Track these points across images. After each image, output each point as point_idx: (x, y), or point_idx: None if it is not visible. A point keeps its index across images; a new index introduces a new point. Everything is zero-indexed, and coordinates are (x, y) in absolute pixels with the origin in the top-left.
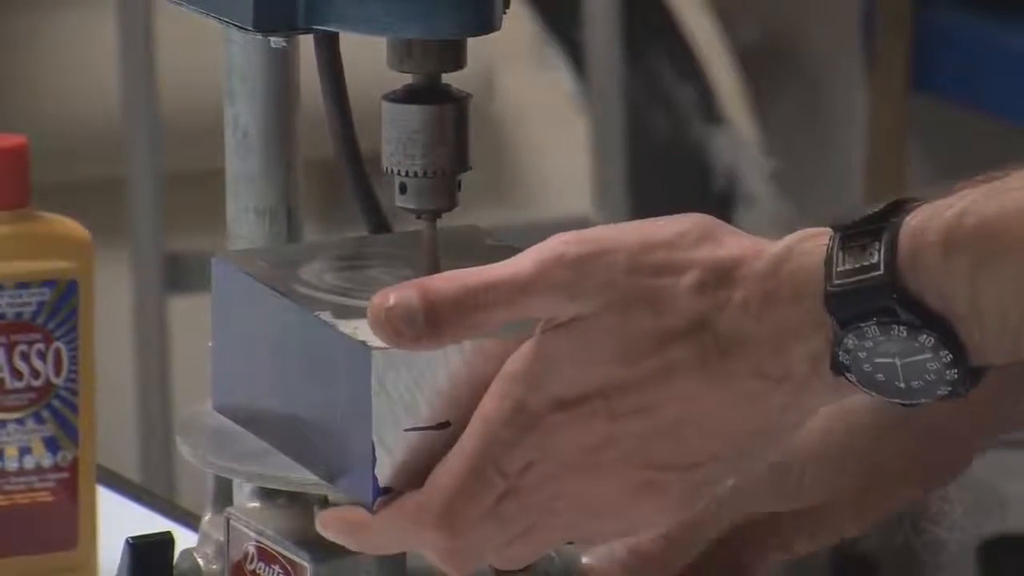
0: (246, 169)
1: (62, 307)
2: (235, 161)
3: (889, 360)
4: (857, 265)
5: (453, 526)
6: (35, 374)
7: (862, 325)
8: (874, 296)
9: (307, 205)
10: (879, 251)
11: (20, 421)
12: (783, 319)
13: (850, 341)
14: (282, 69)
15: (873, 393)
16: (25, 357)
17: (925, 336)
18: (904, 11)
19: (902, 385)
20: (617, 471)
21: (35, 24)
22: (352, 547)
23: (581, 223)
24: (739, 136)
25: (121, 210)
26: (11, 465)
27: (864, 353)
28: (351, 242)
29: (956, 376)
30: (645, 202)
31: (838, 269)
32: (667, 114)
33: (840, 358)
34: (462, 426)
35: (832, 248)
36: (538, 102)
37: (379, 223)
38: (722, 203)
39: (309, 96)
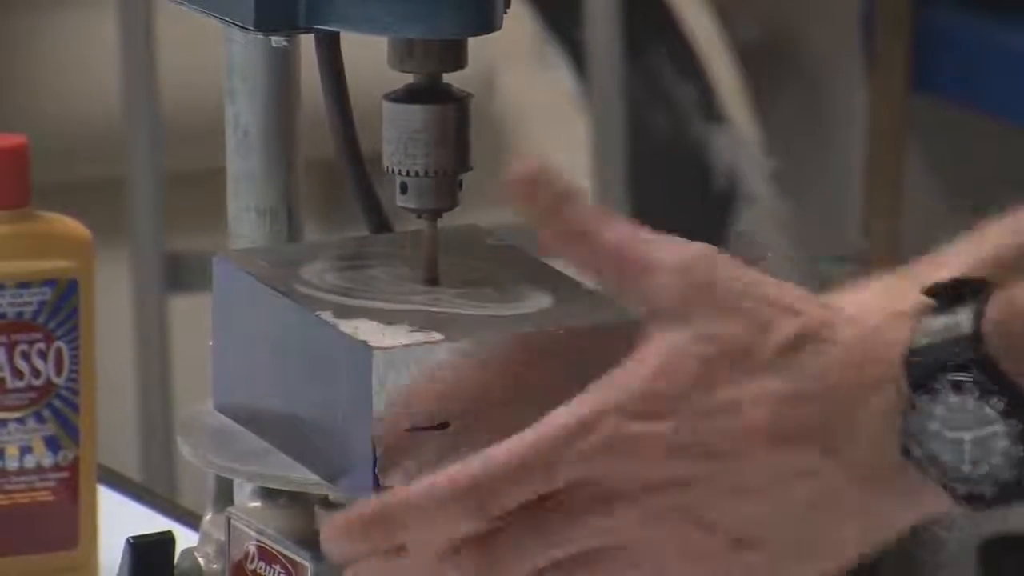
0: (247, 168)
1: (63, 307)
2: (236, 160)
3: (957, 435)
4: (941, 325)
5: (484, 505)
6: (36, 373)
7: (935, 385)
8: (952, 349)
9: (308, 205)
10: (967, 313)
11: (21, 420)
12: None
13: (922, 401)
14: (283, 68)
15: (935, 479)
16: (26, 356)
17: (996, 400)
18: (904, 11)
19: (967, 468)
20: (668, 520)
21: (35, 24)
22: (369, 540)
23: None
24: (739, 135)
25: (122, 210)
26: (12, 464)
27: (934, 425)
28: (352, 242)
29: (1022, 455)
30: (646, 201)
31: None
32: (667, 113)
33: (908, 425)
34: (462, 427)
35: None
36: (539, 101)
37: (380, 223)
38: (722, 202)
39: (310, 95)
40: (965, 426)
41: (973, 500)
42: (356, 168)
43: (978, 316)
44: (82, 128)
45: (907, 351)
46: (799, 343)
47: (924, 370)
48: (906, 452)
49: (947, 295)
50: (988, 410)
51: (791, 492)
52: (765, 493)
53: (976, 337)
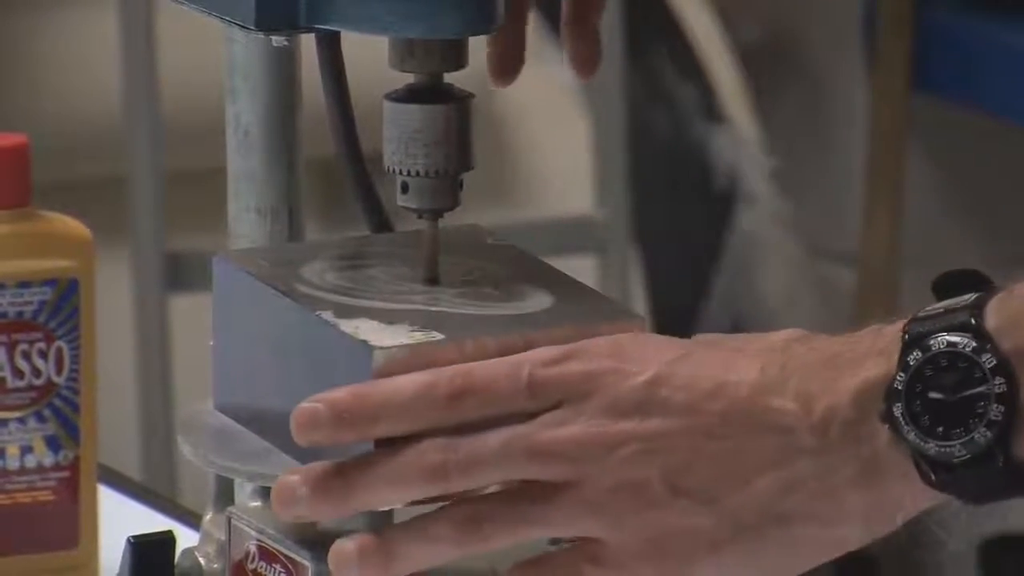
0: (247, 168)
1: (63, 306)
2: (236, 160)
3: (939, 396)
4: (943, 305)
5: (460, 398)
6: (36, 373)
7: (929, 342)
8: (951, 316)
9: (308, 204)
10: (969, 296)
11: (21, 420)
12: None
13: (913, 358)
14: (284, 68)
15: (909, 443)
16: (26, 356)
17: (987, 357)
18: (905, 10)
19: (941, 429)
20: (639, 464)
21: (36, 23)
22: (340, 430)
23: (582, 222)
24: (740, 135)
25: (122, 209)
26: (12, 464)
27: (918, 385)
28: (352, 241)
29: (1000, 417)
30: (646, 201)
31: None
32: (668, 113)
33: (893, 385)
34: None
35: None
36: (539, 101)
37: (380, 222)
38: (723, 202)
39: (311, 95)
40: (950, 386)
41: (941, 467)
42: (357, 168)
43: (980, 296)
44: (83, 127)
45: (907, 321)
46: (789, 338)
47: (922, 329)
48: (888, 415)
49: (951, 285)
50: (976, 370)
51: (760, 447)
52: (735, 452)
53: (976, 306)
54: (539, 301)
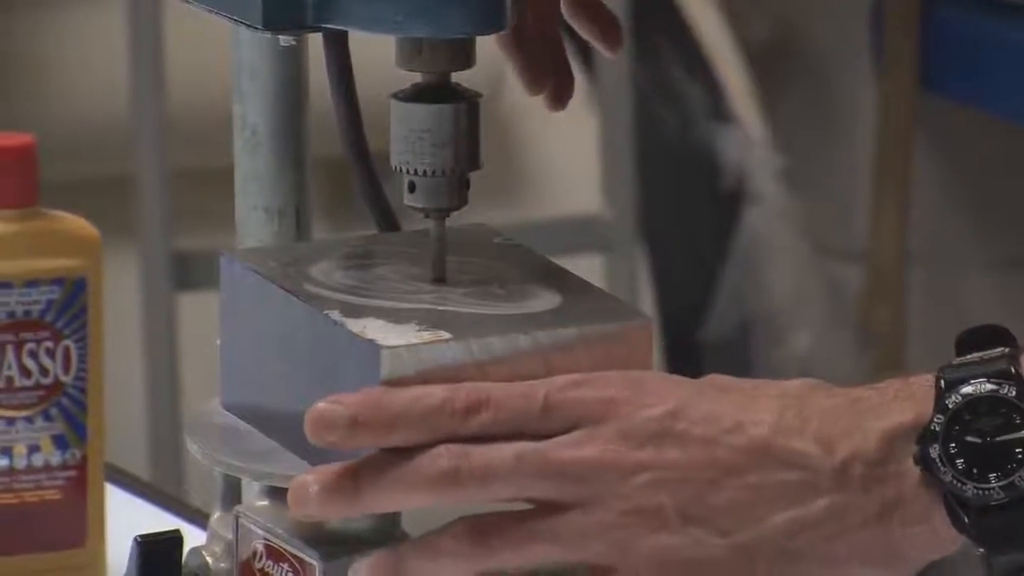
0: (254, 167)
1: (71, 305)
2: (244, 159)
3: (979, 441)
4: (975, 356)
5: (474, 409)
6: (44, 372)
7: (967, 387)
8: (990, 364)
9: (316, 203)
10: (999, 349)
11: (29, 419)
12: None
13: (952, 400)
14: (291, 67)
15: (946, 484)
16: (34, 355)
17: None
18: (912, 9)
19: (979, 471)
20: (653, 492)
21: (43, 22)
22: (356, 436)
23: (589, 221)
24: (747, 134)
25: (129, 208)
26: (20, 463)
27: (956, 427)
28: (360, 240)
29: None
30: (654, 200)
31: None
32: (676, 112)
33: (930, 429)
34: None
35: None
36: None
37: (388, 221)
38: (730, 201)
39: (318, 94)
40: (988, 430)
41: (975, 510)
42: (364, 167)
43: (1013, 349)
44: (90, 127)
45: (940, 369)
46: (805, 386)
47: (958, 375)
48: (923, 457)
49: (974, 341)
50: (1017, 415)
51: (778, 485)
52: (752, 487)
53: (1012, 356)
54: (546, 300)
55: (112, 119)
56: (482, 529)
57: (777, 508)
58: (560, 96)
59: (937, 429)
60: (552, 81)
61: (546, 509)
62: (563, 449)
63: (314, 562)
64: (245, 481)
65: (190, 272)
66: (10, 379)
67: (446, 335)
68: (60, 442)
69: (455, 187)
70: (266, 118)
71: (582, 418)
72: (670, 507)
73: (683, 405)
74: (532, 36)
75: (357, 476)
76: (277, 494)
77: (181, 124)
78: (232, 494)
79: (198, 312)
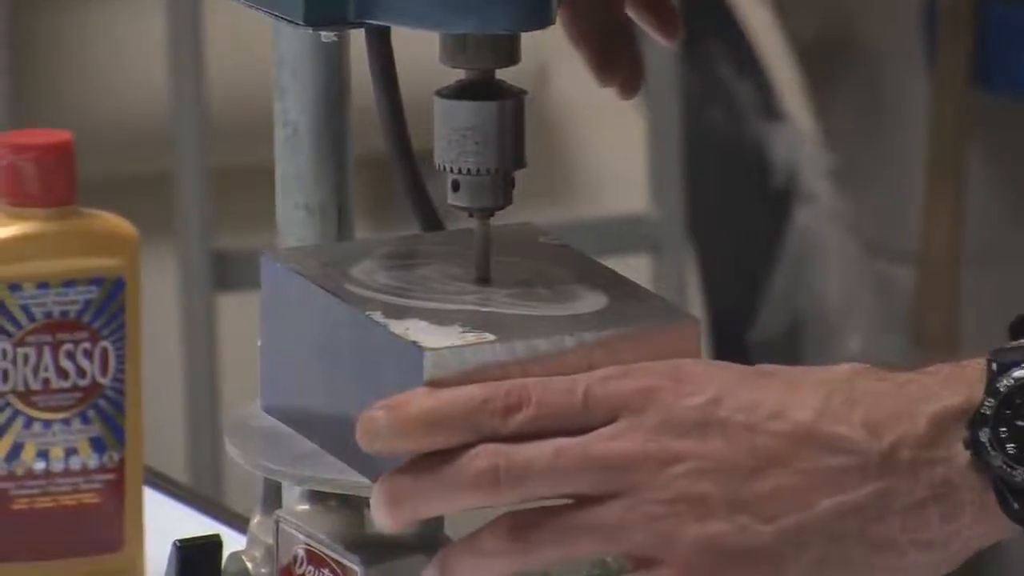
0: (296, 165)
1: (109, 305)
2: (285, 157)
3: None
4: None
5: (520, 407)
6: (81, 374)
7: (1021, 370)
8: None
9: (358, 202)
10: None
11: (66, 421)
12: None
13: (1004, 384)
14: (333, 64)
15: (995, 467)
16: (71, 356)
17: None
18: (965, 5)
19: None
20: (697, 480)
21: (83, 19)
22: (409, 438)
23: (637, 221)
24: (798, 132)
25: (169, 207)
26: (57, 466)
27: (1008, 411)
28: (403, 240)
29: None
30: (703, 200)
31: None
32: (725, 110)
33: (980, 412)
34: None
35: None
36: (593, 97)
37: (431, 221)
38: (780, 201)
39: (360, 91)
40: None
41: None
42: (407, 165)
43: None
44: (129, 124)
45: (991, 352)
46: (853, 371)
47: (1009, 359)
48: (973, 441)
49: None
50: None
51: (824, 470)
52: (798, 473)
53: None
54: (593, 302)
55: (151, 116)
56: (523, 524)
57: (824, 494)
58: (632, 86)
59: (988, 413)
60: (623, 70)
61: (588, 502)
62: (603, 442)
63: (356, 567)
64: (285, 485)
65: (230, 272)
66: (47, 381)
67: (490, 337)
68: (98, 445)
69: (499, 186)
70: (307, 115)
71: (623, 409)
72: (715, 495)
73: (724, 392)
74: (601, 24)
75: (394, 483)
76: (318, 498)
77: (221, 121)
78: (272, 498)
79: (238, 313)
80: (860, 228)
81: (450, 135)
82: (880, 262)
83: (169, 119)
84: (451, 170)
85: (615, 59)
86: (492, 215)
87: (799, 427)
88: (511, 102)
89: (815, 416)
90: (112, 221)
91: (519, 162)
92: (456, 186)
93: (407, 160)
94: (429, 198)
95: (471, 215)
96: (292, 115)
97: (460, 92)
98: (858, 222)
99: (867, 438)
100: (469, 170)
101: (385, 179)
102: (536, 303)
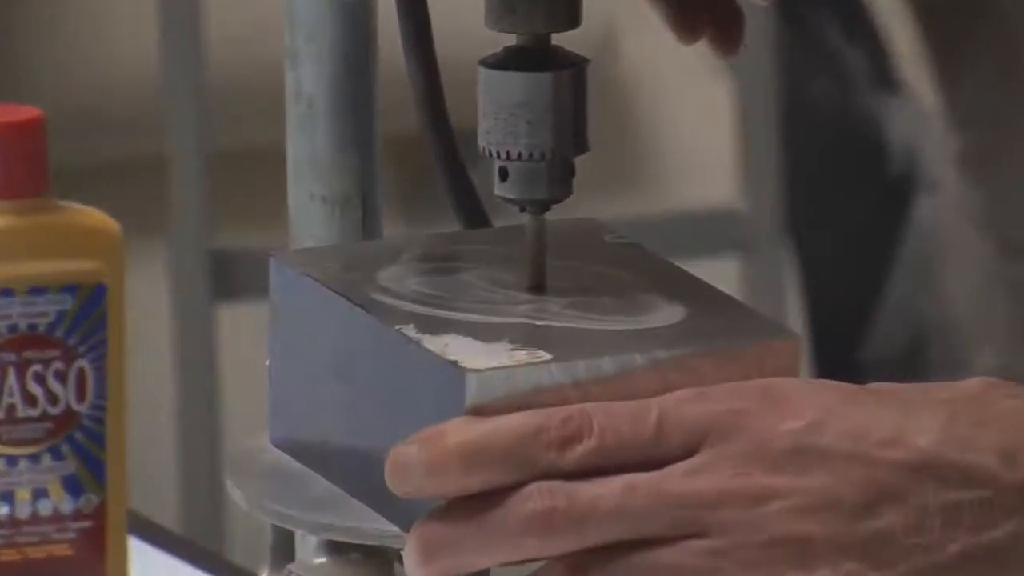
0: (312, 148)
1: (86, 317)
2: (298, 138)
3: None
4: None
5: (580, 438)
6: (53, 400)
7: None
8: None
9: (386, 192)
10: None
11: (34, 458)
12: None
13: None
14: (356, 25)
15: None
16: (40, 379)
17: None
18: None
19: None
20: (797, 519)
21: None
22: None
23: (723, 216)
24: (919, 109)
25: (160, 198)
26: (23, 511)
27: None
28: (440, 239)
29: None
30: (803, 188)
31: None
32: (831, 81)
33: None
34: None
35: None
36: (671, 68)
37: (474, 215)
38: (898, 189)
39: (389, 59)
40: None
41: None
42: (445, 148)
43: None
44: (113, 99)
45: None
46: (984, 386)
47: None
48: None
49: None
50: None
51: (950, 507)
52: (917, 511)
53: None
54: (668, 314)
55: (139, 90)
56: (581, 568)
57: (950, 535)
58: (729, 39)
59: None
60: (712, 24)
61: (664, 543)
62: (682, 478)
63: None
64: (299, 534)
65: (232, 277)
66: (11, 408)
67: (545, 355)
68: (72, 486)
69: (556, 174)
70: (325, 88)
71: (704, 438)
72: (818, 537)
73: (827, 416)
74: None
75: (431, 535)
76: (338, 550)
77: (222, 97)
78: (283, 550)
79: (241, 326)
80: (993, 224)
81: (497, 113)
82: (1017, 263)
83: (160, 94)
84: (498, 155)
85: (698, 8)
86: (548, 209)
87: (918, 455)
88: (570, 72)
89: (938, 442)
90: (91, 216)
91: (580, 146)
92: (504, 174)
93: (445, 142)
94: (472, 188)
95: (522, 209)
96: (307, 87)
97: (509, 61)
98: (991, 217)
99: (1001, 467)
100: (519, 155)
101: (419, 165)
102: (600, 315)
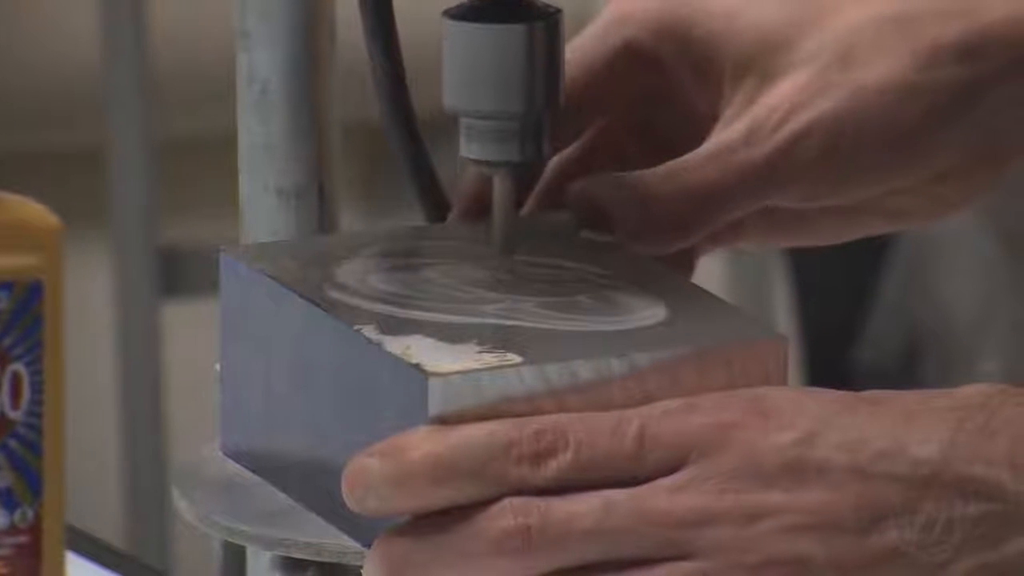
0: (266, 135)
1: (22, 317)
2: (251, 125)
3: None
4: None
5: (554, 453)
6: None
7: None
8: None
9: (345, 183)
10: None
11: None
12: None
13: None
14: (312, 4)
15: None
16: None
17: None
18: None
19: None
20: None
21: None
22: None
23: None
24: None
25: (102, 190)
26: None
27: None
28: (403, 233)
29: None
30: None
31: None
32: None
33: None
34: None
35: None
36: None
37: (438, 207)
38: None
39: (346, 40)
40: None
41: None
42: (407, 135)
43: None
44: (52, 84)
45: None
46: (989, 393)
47: None
48: None
49: None
50: None
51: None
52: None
53: None
54: (649, 313)
55: (79, 74)
56: None
57: (957, 553)
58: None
59: None
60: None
61: (648, 564)
62: (666, 495)
63: None
64: (251, 550)
65: (179, 274)
66: None
67: (516, 358)
68: (6, 498)
69: (529, 134)
70: (280, 71)
71: (689, 453)
72: (816, 557)
73: (822, 427)
74: None
75: (394, 552)
76: (293, 568)
77: (167, 81)
78: (234, 567)
79: (190, 326)
80: (997, 217)
81: (462, 68)
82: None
83: (101, 78)
84: (464, 113)
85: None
86: (520, 173)
87: (921, 467)
88: (543, 24)
89: (942, 452)
90: (27, 208)
91: (553, 101)
92: (471, 133)
93: (407, 128)
94: (437, 179)
95: (489, 172)
96: (260, 72)
97: (475, 12)
98: (994, 210)
99: (1012, 479)
100: (488, 114)
101: (379, 154)
102: (575, 315)
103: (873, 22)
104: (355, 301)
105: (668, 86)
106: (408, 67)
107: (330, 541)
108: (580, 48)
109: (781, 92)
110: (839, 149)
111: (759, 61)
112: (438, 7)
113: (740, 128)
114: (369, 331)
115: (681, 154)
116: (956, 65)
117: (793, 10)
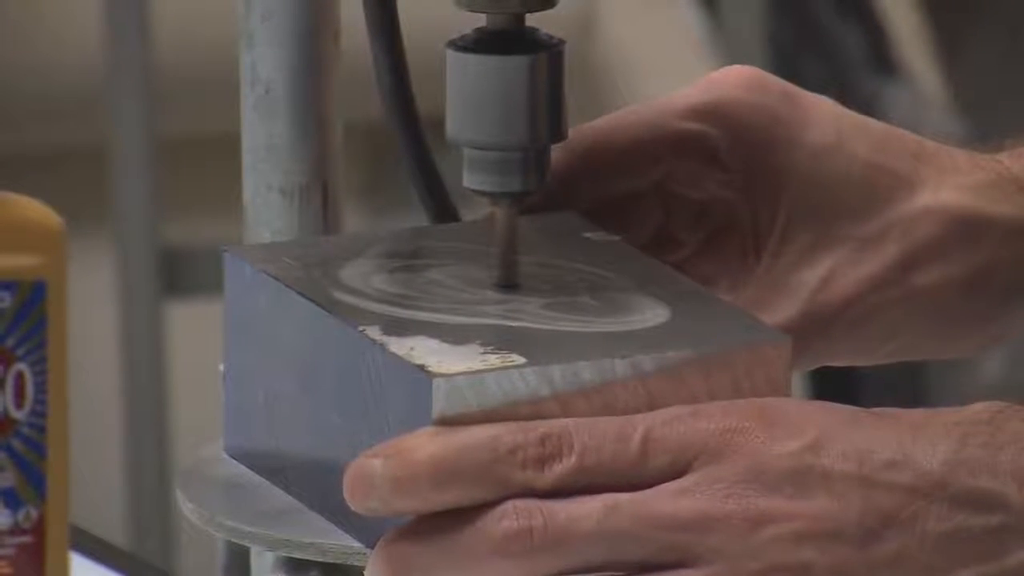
0: (269, 135)
1: (25, 317)
2: (255, 124)
3: None
4: None
5: (558, 457)
6: None
7: None
8: None
9: (349, 183)
10: None
11: None
12: None
13: None
14: (316, 4)
15: None
16: None
17: None
18: None
19: None
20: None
21: None
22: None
23: None
24: (919, 92)
25: (104, 189)
26: None
27: None
28: (407, 234)
29: None
30: None
31: None
32: (826, 63)
33: None
34: None
35: None
36: (654, 49)
37: (442, 208)
38: None
39: (350, 40)
40: None
41: None
42: (411, 135)
43: None
44: (56, 83)
45: None
46: (993, 410)
47: None
48: None
49: None
50: None
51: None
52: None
53: None
54: (652, 315)
55: (83, 73)
56: None
57: (960, 563)
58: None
59: None
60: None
61: (649, 570)
62: (670, 499)
63: None
64: (254, 551)
65: (182, 273)
66: None
67: (519, 359)
68: (10, 498)
69: (532, 165)
70: (283, 72)
71: (694, 459)
72: (819, 565)
73: (827, 436)
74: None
75: (397, 553)
76: (296, 568)
77: (171, 80)
78: (237, 567)
79: (193, 326)
80: None
81: (465, 99)
82: None
83: (105, 78)
84: (468, 144)
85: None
86: (522, 202)
87: (926, 478)
88: (546, 56)
89: (947, 464)
90: (31, 208)
91: (556, 134)
92: (473, 164)
93: (411, 130)
94: (440, 179)
95: (494, 203)
96: (264, 71)
97: (480, 44)
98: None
99: (1017, 492)
100: (490, 145)
101: (382, 154)
102: (579, 316)
103: (941, 221)
104: (359, 302)
105: (708, 174)
106: (411, 66)
107: (333, 542)
108: (662, 106)
109: (839, 288)
110: (895, 339)
111: (822, 218)
112: (440, 7)
113: (793, 313)
114: (373, 332)
115: (674, 230)
116: (1012, 271)
117: (870, 174)
